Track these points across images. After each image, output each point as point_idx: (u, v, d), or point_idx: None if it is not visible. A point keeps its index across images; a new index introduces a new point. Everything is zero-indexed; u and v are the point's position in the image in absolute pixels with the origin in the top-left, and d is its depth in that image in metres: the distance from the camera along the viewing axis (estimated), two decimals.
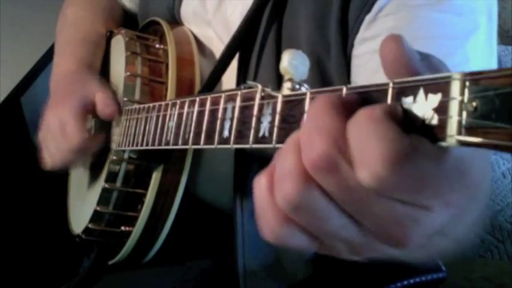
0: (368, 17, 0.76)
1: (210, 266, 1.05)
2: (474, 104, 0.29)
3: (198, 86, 0.95)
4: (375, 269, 1.00)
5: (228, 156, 0.92)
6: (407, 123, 0.33)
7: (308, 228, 0.40)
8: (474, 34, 0.73)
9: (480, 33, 0.74)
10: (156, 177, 0.91)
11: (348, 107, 0.37)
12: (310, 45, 0.82)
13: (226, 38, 0.93)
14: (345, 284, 1.03)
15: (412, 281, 1.05)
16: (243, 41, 0.90)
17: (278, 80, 0.86)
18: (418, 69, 0.36)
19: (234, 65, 0.91)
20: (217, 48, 1.00)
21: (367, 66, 0.76)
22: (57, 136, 0.99)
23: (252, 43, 0.90)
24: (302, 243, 0.42)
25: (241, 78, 0.91)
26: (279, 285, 1.00)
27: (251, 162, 0.92)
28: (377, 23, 0.76)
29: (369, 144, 0.33)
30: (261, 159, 0.91)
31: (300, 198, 0.38)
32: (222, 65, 0.90)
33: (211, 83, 0.91)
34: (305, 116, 0.42)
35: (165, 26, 1.01)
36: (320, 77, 0.82)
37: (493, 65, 0.77)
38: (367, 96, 0.37)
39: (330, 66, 0.81)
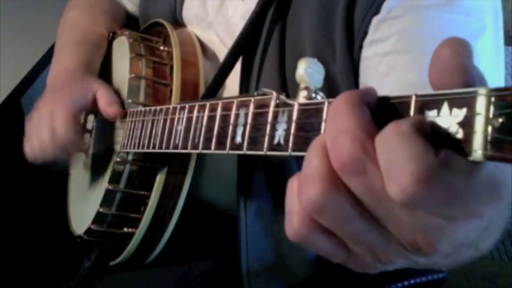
0: (376, 19, 0.76)
1: (213, 266, 1.05)
2: (500, 119, 0.30)
3: (202, 88, 0.95)
4: None
5: (232, 157, 0.92)
6: (434, 137, 0.33)
7: (333, 231, 0.41)
8: (482, 34, 0.73)
9: (488, 33, 0.74)
10: (160, 179, 0.91)
11: (368, 104, 0.38)
12: (315, 48, 0.82)
13: (228, 40, 0.93)
14: (346, 284, 1.04)
15: (412, 281, 1.06)
16: (247, 44, 0.90)
17: (281, 83, 0.86)
18: (473, 82, 0.35)
19: (237, 67, 0.91)
20: (219, 50, 1.00)
21: (377, 69, 0.76)
22: (44, 130, 0.97)
23: (255, 45, 0.90)
24: (327, 247, 0.42)
25: (245, 80, 0.91)
26: (282, 285, 1.00)
27: (255, 163, 0.92)
28: (386, 25, 0.75)
29: (398, 160, 0.33)
30: (264, 161, 0.91)
31: (324, 201, 0.38)
32: (226, 68, 0.90)
33: (216, 85, 0.91)
34: (325, 116, 0.42)
35: (169, 28, 1.01)
36: (325, 79, 0.82)
37: (500, 64, 0.77)
38: (389, 108, 0.37)
39: (335, 68, 0.81)
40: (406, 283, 1.06)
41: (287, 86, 0.85)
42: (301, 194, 0.40)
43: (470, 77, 0.35)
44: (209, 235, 1.09)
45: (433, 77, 0.36)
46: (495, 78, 0.74)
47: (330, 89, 0.80)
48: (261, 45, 0.89)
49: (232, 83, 0.92)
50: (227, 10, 0.96)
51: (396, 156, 0.34)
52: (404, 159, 0.33)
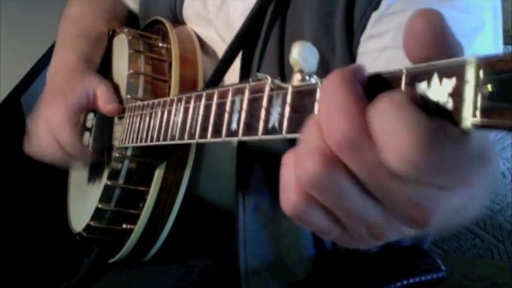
0: (375, 14, 0.76)
1: (211, 264, 1.05)
2: (489, 86, 0.30)
3: (201, 85, 0.95)
4: (375, 268, 1.00)
5: (230, 154, 0.92)
6: (425, 108, 0.33)
7: (328, 206, 0.41)
8: (481, 31, 0.74)
9: (486, 30, 0.74)
10: (158, 174, 0.92)
11: (360, 81, 0.38)
12: (315, 43, 0.82)
13: (229, 38, 0.93)
14: (346, 283, 1.03)
15: (412, 280, 1.05)
16: (246, 40, 0.90)
17: (281, 78, 0.86)
18: (455, 51, 0.35)
19: (236, 63, 0.92)
20: (219, 47, 1.00)
21: (375, 64, 0.76)
22: (44, 133, 0.99)
23: (255, 41, 0.90)
24: (322, 222, 0.42)
25: (244, 76, 0.91)
26: (280, 284, 1.00)
27: (253, 160, 0.92)
28: (385, 20, 0.76)
29: (394, 129, 0.33)
30: (263, 158, 0.91)
31: (321, 176, 0.38)
32: (225, 64, 0.91)
33: (215, 81, 0.91)
34: (319, 92, 0.43)
35: (168, 25, 1.01)
36: (324, 74, 0.82)
37: None
38: (381, 83, 0.37)
39: (335, 64, 0.81)
40: (405, 282, 1.05)
41: (286, 82, 0.86)
42: (299, 169, 0.40)
43: (449, 46, 0.35)
44: (207, 233, 1.09)
45: (408, 50, 0.37)
46: None
47: None
48: (260, 42, 0.89)
49: (232, 79, 0.93)
50: (228, 8, 0.96)
51: (392, 125, 0.33)
52: (401, 127, 0.33)
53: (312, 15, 0.83)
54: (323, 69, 0.81)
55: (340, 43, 0.80)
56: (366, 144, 0.36)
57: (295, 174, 0.40)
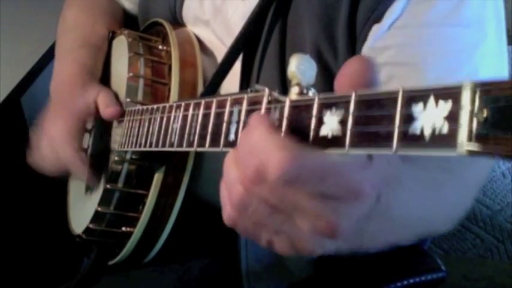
0: (376, 27, 0.76)
1: (212, 266, 1.05)
2: (485, 113, 0.29)
3: (200, 88, 0.95)
4: (375, 268, 1.00)
5: None
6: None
7: (252, 219, 0.50)
8: (483, 43, 0.74)
9: (489, 39, 0.74)
10: (157, 178, 0.91)
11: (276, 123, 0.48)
12: (316, 48, 0.82)
13: (227, 40, 0.93)
14: (345, 284, 1.03)
15: (411, 280, 1.05)
16: (246, 43, 0.90)
17: (282, 82, 0.86)
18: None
19: (237, 66, 0.91)
20: (218, 49, 1.00)
21: None
22: (46, 147, 1.01)
23: (255, 45, 0.90)
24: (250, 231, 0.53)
25: (245, 79, 0.91)
26: (281, 284, 1.00)
27: None
28: (386, 36, 0.76)
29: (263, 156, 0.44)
30: None
31: (242, 201, 0.49)
32: (225, 67, 0.90)
33: (214, 84, 0.91)
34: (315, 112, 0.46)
35: (167, 27, 1.01)
36: (326, 80, 0.82)
37: (504, 67, 0.77)
38: (376, 102, 0.37)
39: (337, 70, 0.81)
40: (405, 283, 1.05)
41: (287, 86, 0.85)
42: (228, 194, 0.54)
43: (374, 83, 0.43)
44: (208, 235, 1.09)
45: (340, 82, 0.45)
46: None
47: (332, 89, 0.80)
48: (261, 46, 0.89)
49: (232, 84, 0.92)
50: (227, 10, 0.96)
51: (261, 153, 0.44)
52: (270, 149, 0.43)
53: (313, 20, 0.82)
54: (325, 76, 0.82)
55: (343, 49, 0.80)
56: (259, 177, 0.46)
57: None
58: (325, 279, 1.03)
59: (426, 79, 0.72)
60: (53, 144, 0.99)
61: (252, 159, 0.45)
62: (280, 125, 0.47)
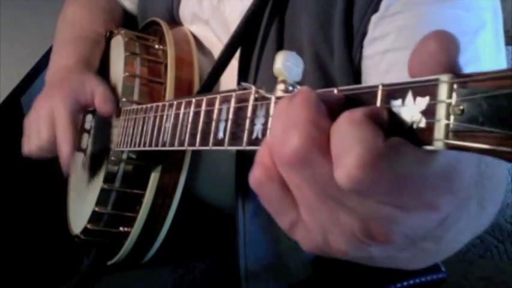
0: (375, 17, 0.76)
1: (211, 266, 1.05)
2: (461, 107, 0.29)
3: (197, 87, 0.95)
4: (375, 269, 1.00)
5: (230, 156, 0.92)
6: (394, 126, 0.32)
7: (292, 190, 0.41)
8: (482, 31, 0.73)
9: (487, 29, 0.73)
10: (154, 177, 0.91)
11: (330, 105, 0.38)
12: (313, 47, 0.82)
13: (225, 38, 0.93)
14: (345, 284, 1.03)
15: (412, 281, 1.05)
16: (243, 41, 0.89)
17: None
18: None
19: (235, 65, 0.91)
20: (216, 48, 1.00)
21: (379, 67, 0.76)
22: (44, 128, 0.98)
23: (252, 43, 0.90)
24: (279, 201, 0.42)
25: (242, 78, 0.91)
26: (281, 285, 1.00)
27: (253, 162, 0.92)
28: (385, 22, 0.75)
29: (345, 145, 0.33)
30: None
31: (302, 154, 0.37)
32: (220, 65, 0.90)
33: (210, 83, 0.91)
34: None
35: (164, 27, 1.01)
36: (323, 78, 0.82)
37: (502, 61, 0.76)
38: (357, 98, 0.37)
39: (333, 67, 0.81)
40: (405, 283, 1.05)
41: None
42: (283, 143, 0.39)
43: (457, 69, 0.33)
44: (208, 235, 1.09)
45: (412, 69, 0.35)
46: None
47: (328, 87, 0.79)
48: (258, 43, 0.89)
49: (230, 82, 0.92)
50: (224, 8, 0.96)
51: (345, 141, 0.33)
52: (352, 144, 0.33)
53: (309, 17, 0.82)
54: (321, 73, 0.82)
55: (339, 47, 0.80)
56: (318, 161, 0.36)
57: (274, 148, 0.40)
58: (325, 280, 1.03)
59: None
60: (52, 122, 0.97)
61: (300, 134, 0.36)
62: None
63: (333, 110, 0.37)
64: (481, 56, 0.72)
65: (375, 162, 0.32)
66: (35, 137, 1.00)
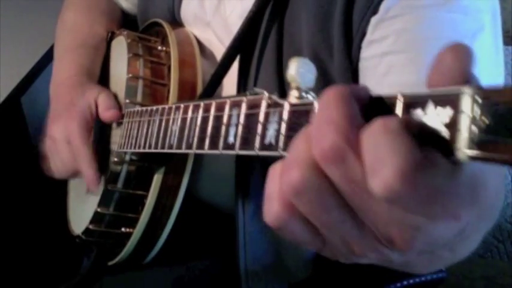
0: (374, 19, 0.76)
1: (211, 266, 1.05)
2: (485, 119, 0.29)
3: (200, 88, 0.95)
4: (375, 269, 1.00)
5: (230, 157, 0.92)
6: (421, 136, 0.33)
7: (308, 217, 0.41)
8: (481, 34, 0.73)
9: (486, 32, 0.73)
10: (157, 179, 0.92)
11: (359, 100, 0.38)
12: (312, 48, 0.82)
13: (226, 39, 0.93)
14: (345, 284, 1.03)
15: (412, 281, 1.05)
16: (244, 43, 0.90)
17: (279, 82, 0.86)
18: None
19: (235, 66, 0.91)
20: (217, 49, 1.00)
21: (376, 70, 0.76)
22: (63, 150, 0.99)
23: (252, 45, 0.90)
24: (303, 234, 0.42)
25: (242, 80, 0.91)
26: (281, 285, 1.00)
27: (253, 163, 0.92)
28: (384, 25, 0.75)
29: (383, 155, 0.33)
30: (262, 161, 0.91)
31: (304, 184, 0.38)
32: (223, 67, 0.90)
33: (213, 85, 0.91)
34: (316, 107, 0.42)
35: (167, 28, 1.01)
36: (322, 80, 0.82)
37: (500, 64, 0.76)
38: (376, 106, 0.37)
39: (333, 69, 0.81)
40: (405, 283, 1.06)
41: (284, 86, 0.85)
42: (283, 177, 0.40)
43: (472, 80, 0.34)
44: (207, 235, 1.09)
45: (432, 80, 0.35)
46: (495, 78, 0.74)
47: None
48: (258, 45, 0.89)
49: (230, 83, 0.92)
50: (224, 9, 0.96)
51: (382, 151, 0.33)
52: (391, 155, 0.33)
53: (309, 19, 0.82)
54: (321, 74, 0.82)
55: (338, 48, 0.80)
56: (353, 161, 0.36)
57: (279, 184, 0.40)
58: (325, 280, 1.03)
59: (426, 66, 0.70)
60: (70, 143, 0.98)
61: (336, 132, 0.36)
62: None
63: (362, 109, 0.38)
64: (480, 59, 0.72)
65: (413, 173, 0.32)
66: (58, 162, 1.01)
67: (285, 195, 0.40)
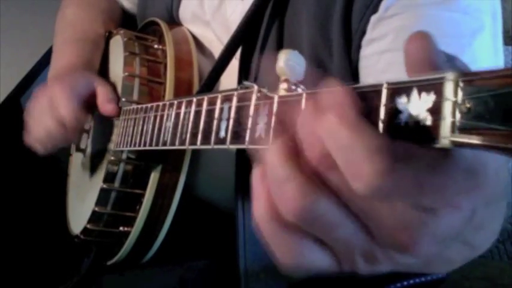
0: (374, 17, 0.76)
1: (211, 266, 1.04)
2: (468, 105, 0.29)
3: (196, 87, 0.95)
4: None
5: (230, 156, 0.92)
6: (399, 124, 0.32)
7: (323, 239, 0.39)
8: (480, 33, 0.73)
9: (486, 32, 0.73)
10: (154, 177, 0.91)
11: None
12: (312, 47, 0.82)
13: (226, 39, 0.92)
14: (345, 284, 1.03)
15: (412, 281, 1.05)
16: (243, 41, 0.89)
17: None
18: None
19: (235, 65, 0.91)
20: (217, 48, 1.00)
21: (375, 67, 0.76)
22: (47, 117, 0.98)
23: (253, 43, 0.90)
24: (322, 260, 0.42)
25: (243, 78, 0.91)
26: (281, 285, 1.00)
27: (252, 163, 0.92)
28: (383, 23, 0.75)
29: (351, 156, 0.33)
30: None
31: (309, 209, 0.37)
32: (220, 65, 0.90)
33: (210, 83, 0.91)
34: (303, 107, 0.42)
35: (163, 27, 1.01)
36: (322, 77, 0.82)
37: (499, 64, 0.76)
38: (362, 96, 0.36)
39: (332, 68, 0.81)
40: (405, 283, 1.05)
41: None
42: (279, 198, 0.38)
43: (437, 67, 0.34)
44: (207, 235, 1.08)
45: (409, 74, 0.35)
46: None
47: None
48: (259, 43, 0.89)
49: (230, 82, 0.92)
50: (226, 9, 0.96)
51: (349, 152, 0.33)
52: (361, 158, 0.32)
53: (309, 18, 0.82)
54: (320, 73, 0.81)
55: (338, 47, 0.80)
56: (334, 175, 0.35)
57: (278, 221, 0.39)
58: (325, 280, 1.02)
59: None
60: (54, 107, 0.97)
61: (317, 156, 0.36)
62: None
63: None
64: (478, 59, 0.72)
65: (388, 168, 0.32)
66: (42, 131, 1.00)
67: (289, 227, 0.39)
